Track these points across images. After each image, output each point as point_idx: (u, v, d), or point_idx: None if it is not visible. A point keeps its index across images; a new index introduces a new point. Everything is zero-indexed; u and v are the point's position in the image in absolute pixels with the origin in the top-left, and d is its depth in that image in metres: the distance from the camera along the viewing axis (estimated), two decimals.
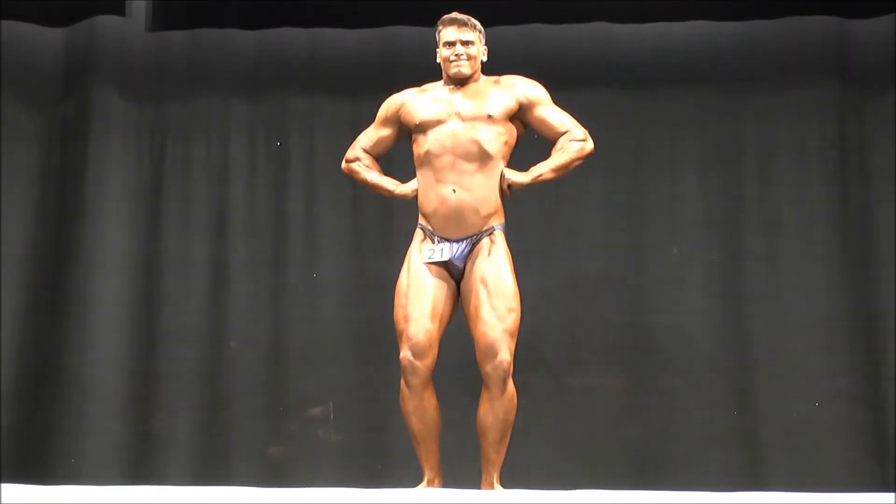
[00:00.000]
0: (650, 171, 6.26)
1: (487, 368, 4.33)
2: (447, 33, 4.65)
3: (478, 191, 4.41)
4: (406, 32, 6.38)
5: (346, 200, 6.30)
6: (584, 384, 5.90)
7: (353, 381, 6.14)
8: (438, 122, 4.50)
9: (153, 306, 6.22)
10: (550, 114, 4.56)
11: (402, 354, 4.33)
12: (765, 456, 5.93)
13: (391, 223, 6.24)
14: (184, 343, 6.17)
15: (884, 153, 6.10)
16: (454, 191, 4.40)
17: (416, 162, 4.55)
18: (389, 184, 4.63)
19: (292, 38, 6.42)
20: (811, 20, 6.25)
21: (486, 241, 4.41)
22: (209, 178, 6.35)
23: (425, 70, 6.41)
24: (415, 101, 4.62)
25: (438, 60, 4.70)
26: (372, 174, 4.68)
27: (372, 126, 4.74)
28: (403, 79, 6.32)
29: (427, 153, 4.47)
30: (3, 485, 3.74)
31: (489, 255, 4.38)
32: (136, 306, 6.22)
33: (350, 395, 6.13)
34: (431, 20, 6.34)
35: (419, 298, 4.36)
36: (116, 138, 6.37)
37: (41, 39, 6.47)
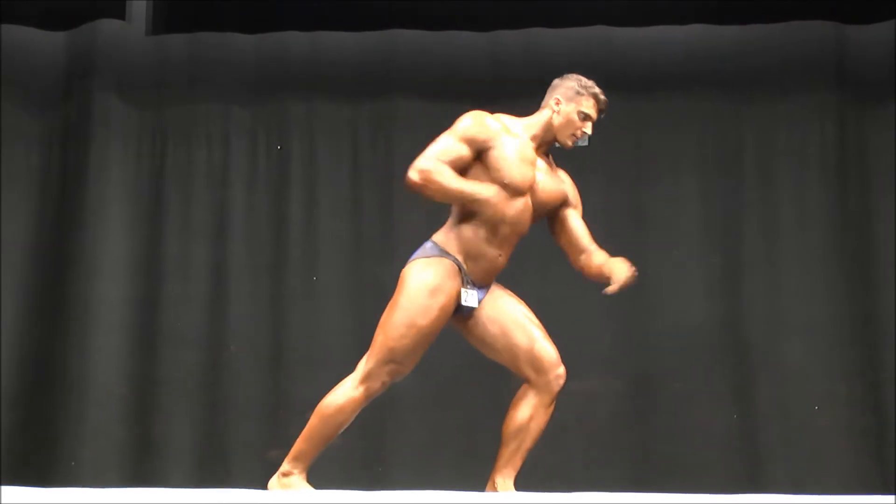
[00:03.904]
0: (650, 175, 6.27)
1: (550, 377, 4.27)
2: (589, 105, 4.38)
3: (510, 254, 4.37)
4: (406, 36, 6.39)
5: (346, 204, 6.31)
6: (583, 388, 5.91)
7: None
8: (519, 194, 4.29)
9: (153, 310, 6.23)
10: (580, 221, 4.48)
11: (385, 370, 4.23)
12: (765, 459, 5.94)
13: (391, 227, 6.25)
14: (184, 346, 6.18)
15: (883, 157, 6.12)
16: (500, 256, 4.33)
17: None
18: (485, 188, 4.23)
19: (292, 41, 6.42)
20: (811, 25, 6.27)
21: (494, 283, 4.40)
22: (209, 181, 6.35)
23: (425, 72, 6.45)
24: (507, 150, 4.29)
25: (555, 109, 4.37)
26: (460, 180, 4.21)
27: (452, 140, 4.25)
28: (403, 82, 6.37)
29: (500, 216, 4.27)
30: (4, 487, 3.74)
31: (504, 290, 4.40)
32: (136, 309, 6.22)
33: None
34: (431, 24, 6.38)
35: (430, 339, 4.27)
36: (117, 142, 6.38)
37: (42, 43, 6.48)
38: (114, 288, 6.22)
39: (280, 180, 6.35)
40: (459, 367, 5.97)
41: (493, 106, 6.21)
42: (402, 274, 4.33)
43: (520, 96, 6.11)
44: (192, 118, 6.42)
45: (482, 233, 4.29)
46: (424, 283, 4.26)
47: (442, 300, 4.26)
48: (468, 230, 4.29)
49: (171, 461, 6.04)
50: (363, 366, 4.26)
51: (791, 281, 6.10)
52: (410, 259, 4.34)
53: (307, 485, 4.28)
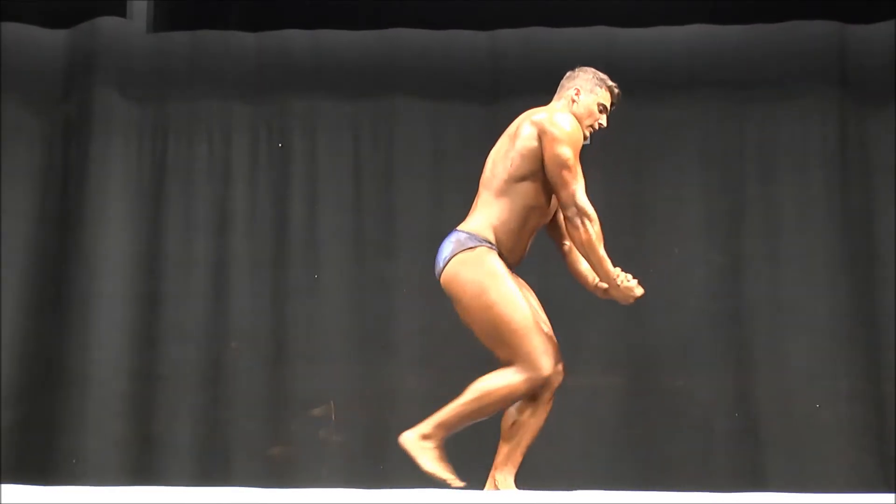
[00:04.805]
0: (652, 173, 6.27)
1: (553, 372, 4.28)
2: (606, 97, 4.46)
3: None
4: (408, 34, 6.39)
5: (348, 201, 6.31)
6: (585, 385, 5.92)
7: (354, 381, 6.15)
8: None
9: (155, 306, 6.23)
10: None
11: (553, 367, 4.20)
12: (766, 457, 5.95)
13: (393, 224, 6.26)
14: (185, 343, 6.18)
15: (884, 155, 6.13)
16: (527, 246, 4.38)
17: (523, 196, 4.30)
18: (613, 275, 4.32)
19: (294, 39, 6.42)
20: (812, 24, 6.27)
21: None
22: (211, 178, 6.35)
23: (426, 71, 6.44)
24: None
25: (575, 99, 4.43)
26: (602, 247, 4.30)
27: (579, 165, 4.29)
28: (404, 80, 6.37)
29: (537, 208, 4.33)
30: (4, 485, 3.74)
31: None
32: (137, 306, 6.22)
33: (351, 396, 6.13)
34: (433, 22, 6.39)
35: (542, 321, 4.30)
36: (118, 139, 6.37)
37: (43, 41, 6.47)
38: (115, 284, 6.22)
39: (281, 177, 6.35)
40: (460, 365, 5.96)
41: (493, 105, 6.26)
42: (454, 275, 4.26)
43: (520, 96, 6.15)
44: (193, 115, 6.41)
45: (517, 224, 4.31)
46: (498, 271, 4.25)
47: (511, 281, 4.26)
48: (505, 222, 4.30)
49: (172, 458, 6.04)
50: (528, 371, 4.19)
51: (792, 279, 6.11)
52: (447, 255, 4.29)
53: (440, 459, 4.21)
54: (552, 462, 5.79)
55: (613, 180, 6.21)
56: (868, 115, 6.20)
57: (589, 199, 4.28)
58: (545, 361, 4.21)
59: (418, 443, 4.20)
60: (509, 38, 6.39)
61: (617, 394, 6.09)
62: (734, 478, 5.79)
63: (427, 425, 4.22)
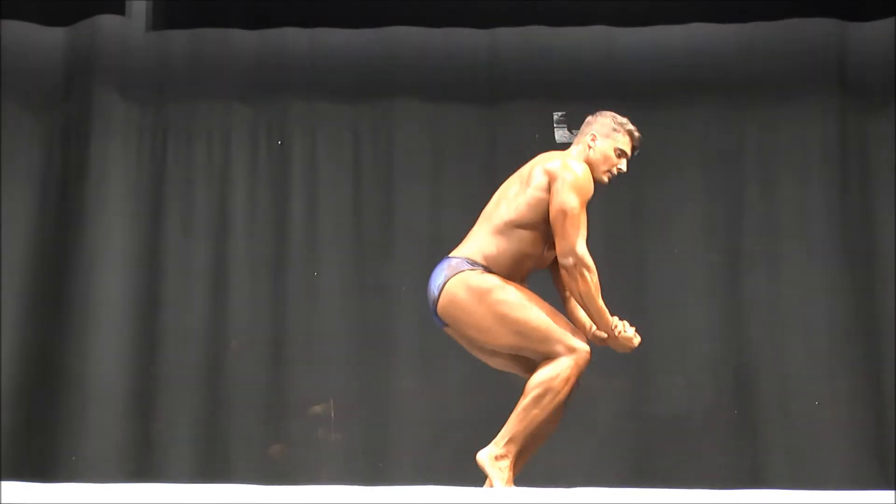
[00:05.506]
0: (651, 173, 6.27)
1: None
2: (625, 142, 4.44)
3: None
4: (408, 33, 6.39)
5: (347, 202, 6.31)
6: (584, 384, 5.92)
7: (353, 381, 6.15)
8: None
9: (154, 307, 6.21)
10: None
11: (586, 348, 4.27)
12: (765, 455, 5.95)
13: (392, 225, 6.25)
14: (185, 343, 6.17)
15: (884, 155, 6.12)
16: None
17: (519, 241, 4.34)
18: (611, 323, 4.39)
19: (294, 38, 6.41)
20: (811, 23, 6.27)
21: None
22: (210, 179, 6.34)
23: (425, 69, 6.43)
24: None
25: (591, 145, 4.42)
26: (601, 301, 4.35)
27: (584, 216, 4.33)
28: (404, 79, 6.37)
29: (532, 256, 4.37)
30: (4, 482, 3.73)
31: None
32: (137, 307, 6.21)
33: (350, 395, 6.13)
34: (433, 21, 6.39)
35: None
36: (117, 139, 6.35)
37: (41, 39, 6.45)
38: (114, 285, 6.21)
39: (281, 178, 6.34)
40: (460, 363, 5.97)
41: (493, 105, 6.26)
42: (451, 298, 4.31)
43: (520, 95, 6.16)
44: (192, 115, 6.40)
45: (510, 262, 4.33)
46: (495, 282, 4.28)
47: (522, 290, 4.31)
48: (499, 255, 4.32)
49: (171, 457, 6.04)
50: (570, 353, 4.25)
51: (792, 278, 6.11)
52: (440, 282, 4.33)
53: (511, 481, 4.25)
54: (552, 462, 5.78)
55: (612, 181, 6.19)
56: (868, 115, 6.20)
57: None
58: (578, 340, 4.27)
59: (493, 463, 4.24)
60: (509, 37, 6.39)
61: (617, 393, 6.09)
62: (733, 476, 5.79)
63: (499, 445, 4.26)
